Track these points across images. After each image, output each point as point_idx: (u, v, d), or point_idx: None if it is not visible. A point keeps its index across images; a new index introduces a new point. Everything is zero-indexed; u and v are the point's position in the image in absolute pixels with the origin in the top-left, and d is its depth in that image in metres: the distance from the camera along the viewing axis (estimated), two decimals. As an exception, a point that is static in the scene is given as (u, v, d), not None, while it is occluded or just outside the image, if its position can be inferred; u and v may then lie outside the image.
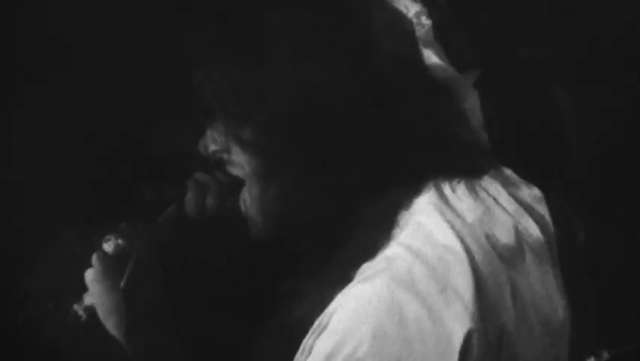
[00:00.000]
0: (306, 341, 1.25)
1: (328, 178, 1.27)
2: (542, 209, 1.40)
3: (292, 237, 1.31)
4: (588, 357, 2.15)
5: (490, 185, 1.35)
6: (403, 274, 1.21)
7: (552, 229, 1.40)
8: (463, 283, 1.22)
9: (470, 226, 1.27)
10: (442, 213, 1.27)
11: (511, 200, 1.35)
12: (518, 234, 1.32)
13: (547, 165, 2.40)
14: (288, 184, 1.28)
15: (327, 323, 1.22)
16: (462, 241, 1.25)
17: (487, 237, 1.28)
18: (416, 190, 1.28)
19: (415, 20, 1.55)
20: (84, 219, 1.68)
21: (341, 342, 1.20)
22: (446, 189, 1.30)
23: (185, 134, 1.41)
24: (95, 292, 1.40)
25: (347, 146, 1.26)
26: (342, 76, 1.25)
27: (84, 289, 1.41)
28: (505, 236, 1.30)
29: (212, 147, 1.37)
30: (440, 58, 1.55)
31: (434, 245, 1.24)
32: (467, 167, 1.32)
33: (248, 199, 1.35)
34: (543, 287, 1.33)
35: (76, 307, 1.42)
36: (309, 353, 1.24)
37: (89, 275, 1.41)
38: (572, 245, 1.53)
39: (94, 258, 1.41)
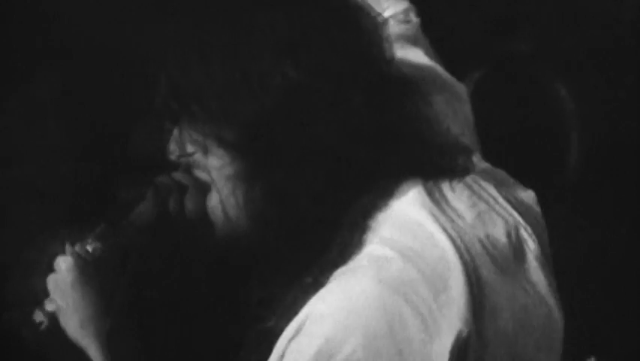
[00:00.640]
0: (283, 347, 1.23)
1: (309, 177, 1.26)
2: (536, 210, 1.39)
3: (278, 239, 1.29)
4: (588, 357, 2.15)
5: (483, 186, 1.34)
6: (392, 273, 1.20)
7: (545, 230, 1.38)
8: (456, 286, 1.20)
9: (462, 228, 1.26)
10: (430, 214, 1.25)
11: (505, 201, 1.34)
12: (512, 236, 1.31)
13: (546, 165, 2.40)
14: (272, 184, 1.27)
15: (306, 326, 1.21)
16: (454, 242, 1.23)
17: (481, 239, 1.27)
18: (389, 191, 1.27)
19: (402, 17, 1.54)
20: (58, 221, 1.66)
21: (331, 346, 1.18)
22: (434, 189, 1.28)
23: (159, 135, 1.39)
24: (74, 299, 1.37)
25: (317, 141, 1.25)
26: (303, 73, 1.24)
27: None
28: (499, 238, 1.29)
29: (177, 150, 1.35)
30: (428, 55, 1.53)
31: (423, 246, 1.23)
32: (433, 168, 1.30)
33: (216, 205, 1.33)
34: (537, 290, 1.31)
35: (37, 313, 1.39)
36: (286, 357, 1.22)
37: (55, 281, 1.38)
38: (567, 247, 1.52)
39: (68, 263, 1.38)
